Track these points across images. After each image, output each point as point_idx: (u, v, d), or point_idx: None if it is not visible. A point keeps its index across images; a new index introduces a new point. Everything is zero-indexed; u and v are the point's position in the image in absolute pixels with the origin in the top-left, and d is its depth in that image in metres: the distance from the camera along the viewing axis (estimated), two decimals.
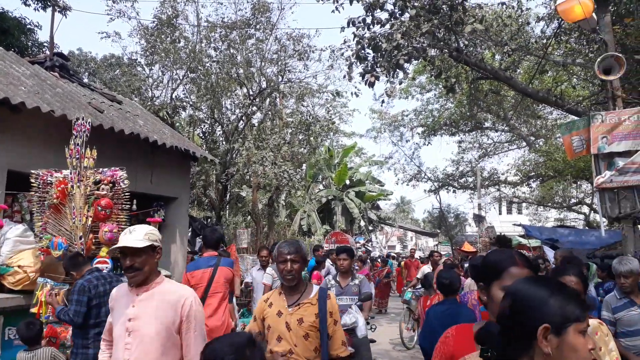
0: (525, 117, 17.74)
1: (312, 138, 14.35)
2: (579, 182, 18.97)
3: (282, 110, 15.55)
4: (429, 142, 20.53)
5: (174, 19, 13.43)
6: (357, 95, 13.01)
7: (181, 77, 14.11)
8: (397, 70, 8.56)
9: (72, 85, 8.16)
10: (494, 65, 10.63)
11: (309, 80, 15.27)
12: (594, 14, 6.44)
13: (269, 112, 14.60)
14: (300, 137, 14.50)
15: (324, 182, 27.55)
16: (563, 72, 13.06)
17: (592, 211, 20.32)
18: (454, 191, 22.58)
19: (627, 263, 3.98)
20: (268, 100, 14.85)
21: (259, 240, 14.55)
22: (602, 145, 6.28)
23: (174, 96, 14.19)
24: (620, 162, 6.07)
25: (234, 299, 7.37)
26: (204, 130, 15.41)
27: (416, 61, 11.08)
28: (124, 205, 5.22)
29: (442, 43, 8.75)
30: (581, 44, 9.91)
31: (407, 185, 23.34)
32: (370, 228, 28.26)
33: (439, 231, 31.47)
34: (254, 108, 14.22)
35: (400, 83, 9.98)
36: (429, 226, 38.36)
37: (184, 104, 14.35)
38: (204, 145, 14.66)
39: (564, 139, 6.87)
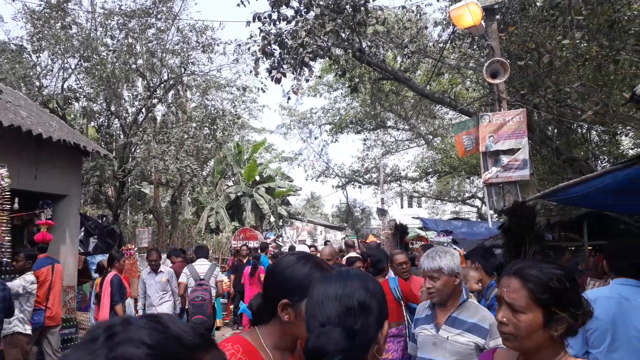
0: (423, 116, 18.74)
1: (218, 133, 13.97)
2: (472, 178, 20.47)
3: (186, 104, 14.98)
4: (336, 140, 21.04)
5: (65, 4, 12.35)
6: (263, 91, 12.93)
7: (73, 66, 13.05)
8: (303, 67, 8.63)
9: None
10: (394, 67, 11.07)
11: (214, 73, 14.87)
12: (482, 22, 6.95)
13: (172, 105, 13.98)
14: (206, 132, 14.06)
15: (233, 178, 27.06)
16: (457, 75, 13.94)
17: (484, 204, 22.02)
18: (360, 187, 23.53)
19: (436, 257, 2.61)
20: (171, 92, 14.21)
21: (161, 239, 13.92)
22: (490, 144, 6.80)
23: (65, 86, 13.08)
24: (505, 160, 6.63)
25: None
26: (99, 123, 14.40)
27: (322, 59, 11.23)
28: (4, 205, 4.96)
29: (346, 43, 8.93)
30: (473, 49, 10.63)
31: (317, 181, 23.88)
32: (281, 224, 28.29)
33: (346, 225, 32.30)
34: (155, 100, 13.53)
35: (307, 81, 10.06)
36: (337, 220, 39.18)
37: (77, 94, 13.29)
38: (100, 139, 13.72)
39: (456, 138, 7.36)
